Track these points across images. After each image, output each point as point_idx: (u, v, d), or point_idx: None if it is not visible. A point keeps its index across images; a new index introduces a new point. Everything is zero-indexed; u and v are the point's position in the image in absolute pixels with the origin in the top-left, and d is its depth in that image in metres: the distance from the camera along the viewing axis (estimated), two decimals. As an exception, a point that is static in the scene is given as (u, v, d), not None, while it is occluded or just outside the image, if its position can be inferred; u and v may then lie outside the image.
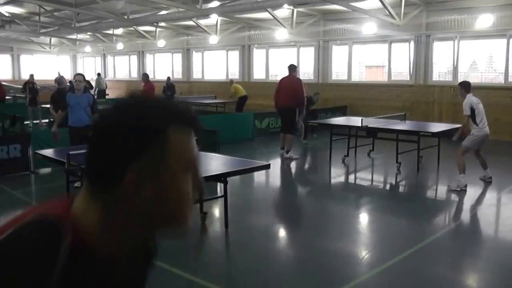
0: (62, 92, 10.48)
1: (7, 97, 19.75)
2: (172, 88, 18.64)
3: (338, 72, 17.20)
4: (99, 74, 23.91)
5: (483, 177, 7.85)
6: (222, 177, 5.41)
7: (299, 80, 10.17)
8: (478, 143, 7.54)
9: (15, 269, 0.81)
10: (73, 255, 0.84)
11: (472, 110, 7.37)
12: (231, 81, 17.83)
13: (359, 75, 16.91)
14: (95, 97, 7.85)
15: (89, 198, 0.91)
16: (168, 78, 19.58)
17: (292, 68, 10.21)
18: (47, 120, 15.02)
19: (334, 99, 15.81)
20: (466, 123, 7.53)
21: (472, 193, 7.48)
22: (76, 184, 6.58)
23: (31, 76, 16.48)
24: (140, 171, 0.87)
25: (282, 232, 5.89)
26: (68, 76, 22.56)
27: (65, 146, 7.05)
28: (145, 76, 14.36)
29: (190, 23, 19.08)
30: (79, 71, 29.42)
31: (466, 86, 7.63)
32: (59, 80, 11.43)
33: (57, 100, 10.21)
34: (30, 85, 15.45)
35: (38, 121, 15.02)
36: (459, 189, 7.25)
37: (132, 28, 21.98)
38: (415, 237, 5.37)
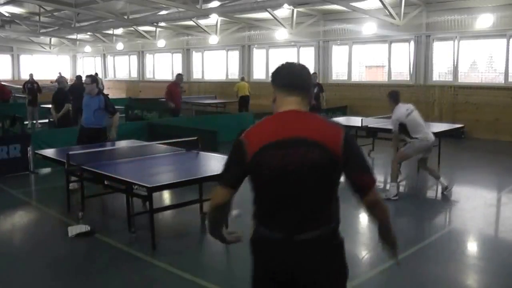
0: (62, 92, 10.49)
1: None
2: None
3: (338, 72, 17.20)
4: (96, 74, 23.87)
5: (442, 189, 7.05)
6: (222, 177, 5.41)
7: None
8: (421, 151, 6.87)
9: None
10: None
11: (402, 125, 6.62)
12: (242, 79, 17.79)
13: (359, 75, 16.91)
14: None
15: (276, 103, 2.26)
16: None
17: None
18: (46, 120, 15.00)
19: (334, 99, 15.80)
20: (395, 142, 6.78)
21: (472, 193, 7.48)
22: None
23: (31, 75, 16.40)
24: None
25: (282, 232, 5.89)
26: (68, 76, 22.57)
27: (64, 146, 7.05)
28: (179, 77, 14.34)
29: (190, 23, 19.08)
30: (79, 71, 29.47)
31: (393, 96, 6.76)
32: (59, 79, 11.44)
33: (58, 100, 10.22)
34: (28, 85, 15.37)
35: (35, 122, 14.96)
36: (386, 198, 6.56)
37: (132, 28, 21.98)
38: (415, 237, 5.37)
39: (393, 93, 6.84)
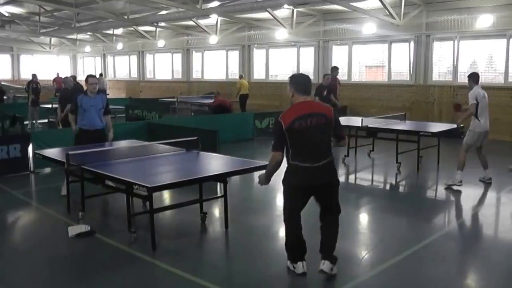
0: (68, 92, 10.47)
1: (5, 97, 19.74)
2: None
3: (338, 72, 17.15)
4: (101, 75, 23.86)
5: (483, 178, 7.82)
6: (222, 177, 5.42)
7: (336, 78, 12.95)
8: (479, 139, 7.51)
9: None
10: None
11: (476, 102, 7.31)
12: (240, 77, 17.79)
13: (359, 75, 16.91)
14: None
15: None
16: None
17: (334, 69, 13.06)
18: (46, 120, 14.99)
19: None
20: (472, 111, 7.38)
21: (472, 193, 7.48)
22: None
23: (34, 75, 16.28)
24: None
25: (282, 232, 5.86)
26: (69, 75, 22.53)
27: (65, 146, 7.03)
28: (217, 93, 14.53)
29: (190, 23, 19.08)
30: (79, 71, 29.45)
31: (474, 77, 7.52)
32: (64, 80, 11.44)
33: (64, 100, 10.19)
34: (33, 85, 15.28)
35: (34, 122, 14.93)
36: (452, 184, 7.37)
37: (132, 28, 21.99)
38: (415, 237, 5.37)
39: (473, 74, 7.59)
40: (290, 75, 4.33)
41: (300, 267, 4.20)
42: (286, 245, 4.31)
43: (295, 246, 4.25)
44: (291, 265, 4.29)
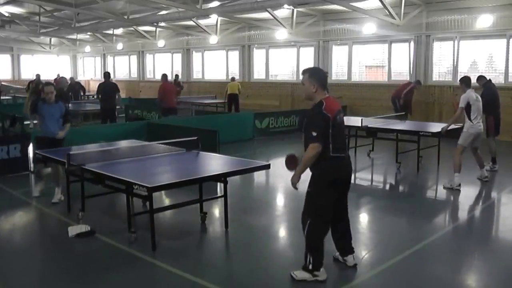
0: (61, 93, 10.50)
1: (7, 97, 19.72)
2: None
3: (338, 72, 17.20)
4: (108, 73, 23.60)
5: (480, 176, 7.92)
6: (222, 177, 5.41)
7: (408, 83, 13.58)
8: (472, 140, 7.57)
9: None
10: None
11: (469, 105, 7.43)
12: (231, 79, 17.80)
13: (359, 75, 16.91)
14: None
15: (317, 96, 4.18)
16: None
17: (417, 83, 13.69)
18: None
19: (334, 99, 15.79)
20: (458, 114, 7.61)
21: (472, 193, 7.48)
22: (54, 200, 6.64)
23: (38, 76, 16.14)
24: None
25: (282, 232, 5.89)
26: (68, 76, 22.53)
27: (64, 146, 7.02)
28: (164, 77, 13.99)
29: (190, 23, 19.09)
30: (79, 71, 29.45)
31: (466, 81, 7.65)
32: (58, 80, 11.45)
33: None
34: (32, 85, 15.24)
35: (36, 121, 14.88)
36: (451, 187, 7.35)
37: (132, 28, 21.99)
38: (415, 237, 5.37)
39: (465, 78, 7.73)
40: (309, 68, 4.27)
41: (324, 272, 4.13)
42: (314, 252, 4.11)
43: (321, 251, 4.13)
44: (308, 275, 4.12)
